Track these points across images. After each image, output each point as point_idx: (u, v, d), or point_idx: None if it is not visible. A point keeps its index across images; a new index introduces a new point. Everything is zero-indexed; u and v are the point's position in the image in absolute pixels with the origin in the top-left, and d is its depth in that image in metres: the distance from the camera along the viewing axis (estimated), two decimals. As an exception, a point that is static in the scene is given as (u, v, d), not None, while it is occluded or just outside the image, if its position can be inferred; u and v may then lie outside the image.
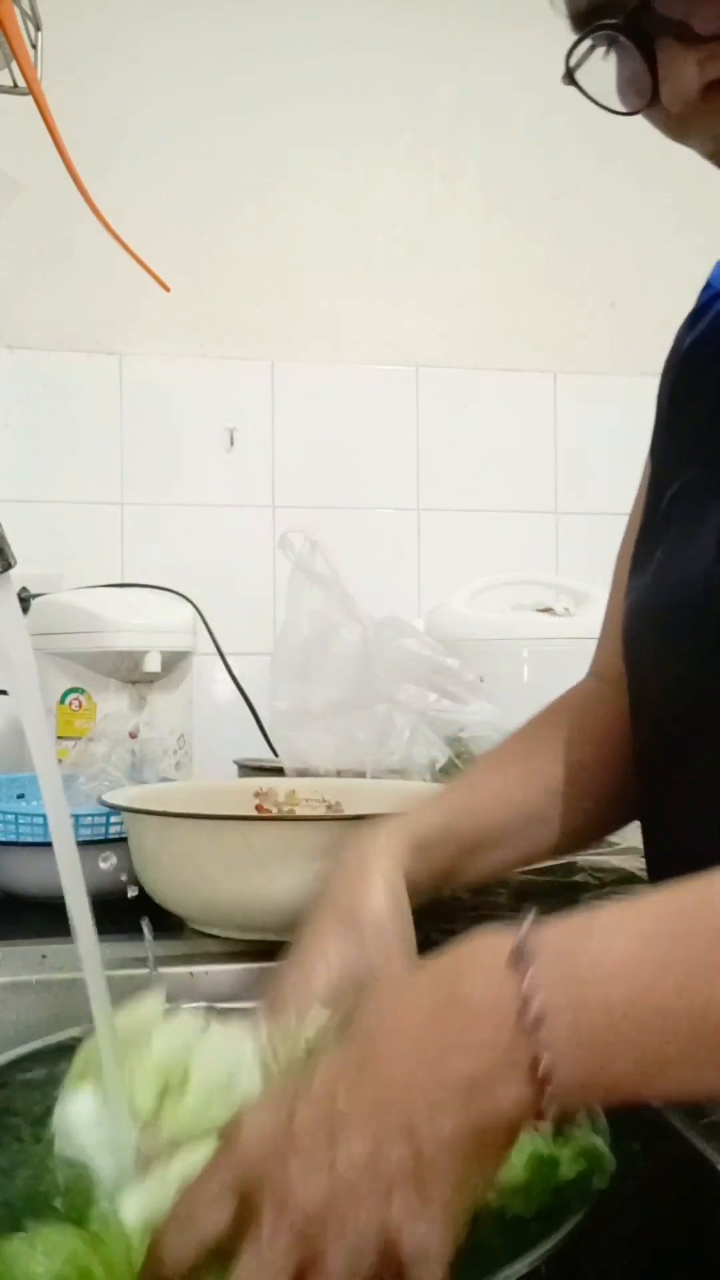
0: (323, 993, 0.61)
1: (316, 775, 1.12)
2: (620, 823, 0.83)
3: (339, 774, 1.12)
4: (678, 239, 1.77)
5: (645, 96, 0.60)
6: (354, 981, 0.61)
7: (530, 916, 0.44)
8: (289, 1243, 0.39)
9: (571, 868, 0.98)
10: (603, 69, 0.62)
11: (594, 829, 0.83)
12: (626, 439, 1.80)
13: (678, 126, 0.61)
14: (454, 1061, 0.41)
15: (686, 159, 0.65)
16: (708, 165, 0.65)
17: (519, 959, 0.42)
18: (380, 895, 0.67)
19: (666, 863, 0.71)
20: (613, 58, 0.61)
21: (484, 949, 0.43)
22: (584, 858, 1.00)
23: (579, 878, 0.98)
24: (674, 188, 1.70)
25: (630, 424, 1.80)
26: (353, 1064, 0.43)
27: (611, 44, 0.61)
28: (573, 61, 0.62)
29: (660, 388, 0.82)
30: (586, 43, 0.61)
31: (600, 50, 0.61)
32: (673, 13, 0.56)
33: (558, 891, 0.95)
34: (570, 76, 0.63)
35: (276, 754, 1.27)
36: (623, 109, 0.62)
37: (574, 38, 0.62)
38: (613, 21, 0.58)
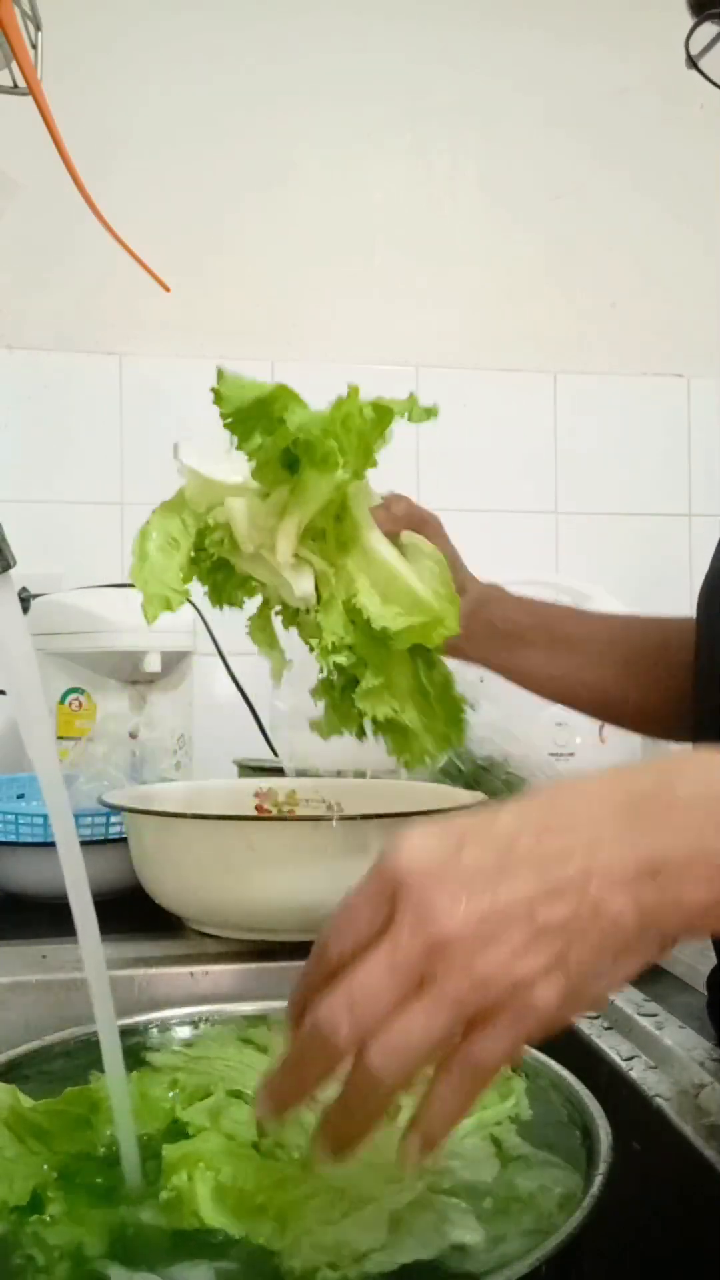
0: None
1: (316, 775, 1.12)
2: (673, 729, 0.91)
3: (339, 774, 1.12)
4: (678, 239, 1.77)
5: None
6: None
7: None
8: (416, 957, 0.39)
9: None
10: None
11: (651, 713, 0.92)
12: (626, 439, 1.81)
13: None
14: (648, 839, 0.40)
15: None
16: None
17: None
18: None
19: None
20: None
21: (715, 758, 0.43)
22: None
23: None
24: (674, 188, 1.70)
25: (630, 424, 1.81)
26: (538, 817, 0.42)
27: None
28: (693, 48, 0.63)
29: None
30: (708, 30, 0.62)
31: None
32: None
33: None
34: (692, 62, 0.63)
35: (276, 754, 1.27)
36: None
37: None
38: None
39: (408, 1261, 0.45)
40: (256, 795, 1.02)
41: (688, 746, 0.84)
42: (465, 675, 1.25)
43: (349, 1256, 0.44)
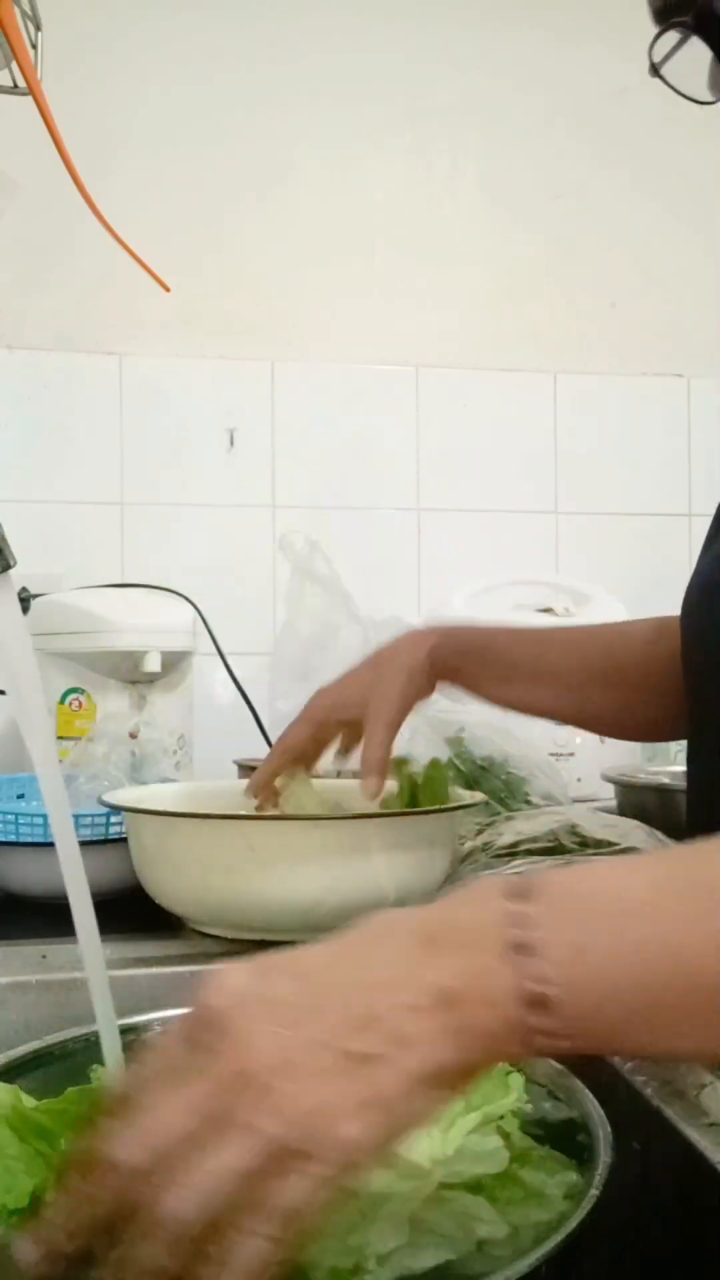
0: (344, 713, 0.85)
1: (316, 775, 1.12)
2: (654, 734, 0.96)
3: (339, 774, 1.11)
4: (678, 239, 1.77)
5: (719, 89, 0.61)
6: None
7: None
8: (220, 1093, 0.38)
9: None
10: (686, 61, 0.63)
11: (625, 718, 0.94)
12: (626, 439, 1.81)
13: None
14: (439, 970, 0.40)
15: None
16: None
17: (519, 891, 0.41)
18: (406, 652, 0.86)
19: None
20: (695, 49, 0.62)
21: (484, 885, 0.43)
22: (583, 857, 1.00)
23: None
24: (674, 188, 1.70)
25: (630, 424, 1.81)
26: (345, 951, 0.42)
27: (686, 39, 0.62)
28: (656, 56, 0.64)
29: None
30: (668, 39, 0.62)
31: (685, 43, 0.62)
32: None
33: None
34: (655, 70, 0.64)
35: (276, 754, 1.26)
36: (705, 98, 0.63)
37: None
38: (684, 19, 0.60)
39: (438, 1263, 0.44)
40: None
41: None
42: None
43: (373, 1258, 0.44)
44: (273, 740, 1.29)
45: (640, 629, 0.93)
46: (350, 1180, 0.39)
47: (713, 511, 0.84)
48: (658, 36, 0.63)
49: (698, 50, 0.62)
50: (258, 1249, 0.37)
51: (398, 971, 0.40)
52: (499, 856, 1.01)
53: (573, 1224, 0.45)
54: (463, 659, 0.92)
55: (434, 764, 0.96)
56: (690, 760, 0.82)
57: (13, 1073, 0.62)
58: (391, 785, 0.97)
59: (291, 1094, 0.38)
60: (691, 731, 0.81)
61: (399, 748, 1.13)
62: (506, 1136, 0.54)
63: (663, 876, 0.42)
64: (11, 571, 0.53)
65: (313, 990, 0.40)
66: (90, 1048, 0.61)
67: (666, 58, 0.63)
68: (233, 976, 0.41)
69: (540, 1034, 0.39)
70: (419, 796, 0.93)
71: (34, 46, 1.15)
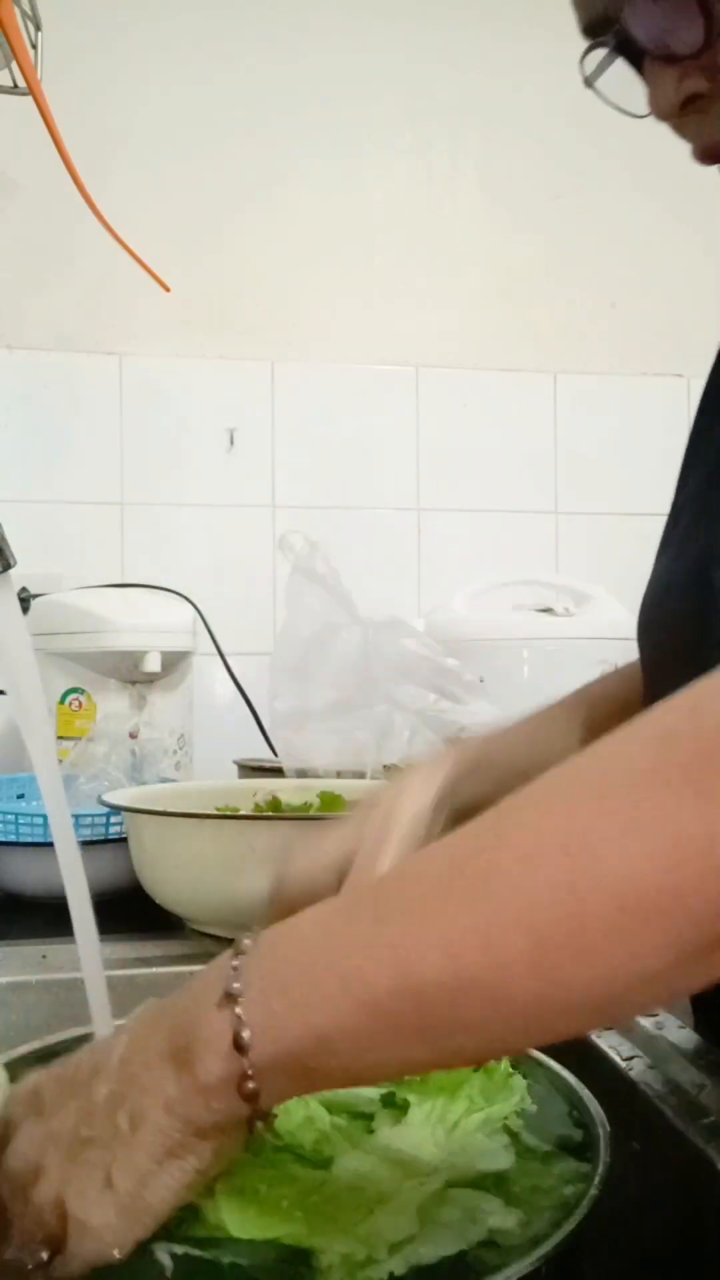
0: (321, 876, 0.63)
1: (316, 775, 1.12)
2: None
3: (339, 774, 1.12)
4: (678, 239, 1.77)
5: (644, 104, 0.62)
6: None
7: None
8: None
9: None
10: (619, 73, 0.64)
11: None
12: (626, 439, 1.81)
13: (677, 131, 0.63)
14: (158, 1038, 0.42)
15: (685, 160, 0.66)
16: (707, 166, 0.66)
17: (241, 947, 0.43)
18: (409, 796, 0.66)
19: None
20: (624, 64, 0.63)
21: (212, 966, 0.44)
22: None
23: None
24: (674, 188, 1.70)
25: (630, 424, 1.81)
26: (95, 1050, 0.45)
27: (613, 58, 0.63)
28: (587, 70, 0.65)
29: (707, 384, 0.84)
30: (597, 53, 0.64)
31: (613, 60, 0.63)
32: (648, 36, 0.59)
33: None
34: (588, 83, 0.65)
35: (276, 754, 1.27)
36: (635, 111, 0.64)
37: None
38: (607, 39, 0.62)
39: (449, 1253, 0.44)
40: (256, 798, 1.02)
41: None
42: (464, 675, 1.26)
43: (383, 1247, 0.44)
44: (273, 740, 1.30)
45: (613, 681, 0.85)
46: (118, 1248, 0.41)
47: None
48: (586, 52, 0.64)
49: (625, 66, 0.63)
50: None
51: (133, 1043, 0.43)
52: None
53: (573, 1224, 0.45)
54: (478, 788, 0.73)
55: None
56: None
57: (12, 1073, 0.62)
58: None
59: (43, 1193, 0.42)
60: None
61: (399, 750, 1.14)
62: (514, 1136, 0.54)
63: (344, 904, 0.43)
64: (11, 571, 0.53)
65: (67, 1082, 0.44)
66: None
67: (598, 72, 0.64)
68: (26, 1082, 0.46)
69: (248, 1077, 0.39)
70: None
71: (34, 46, 1.15)
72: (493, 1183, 0.50)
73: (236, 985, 0.40)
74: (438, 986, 0.37)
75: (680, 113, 0.60)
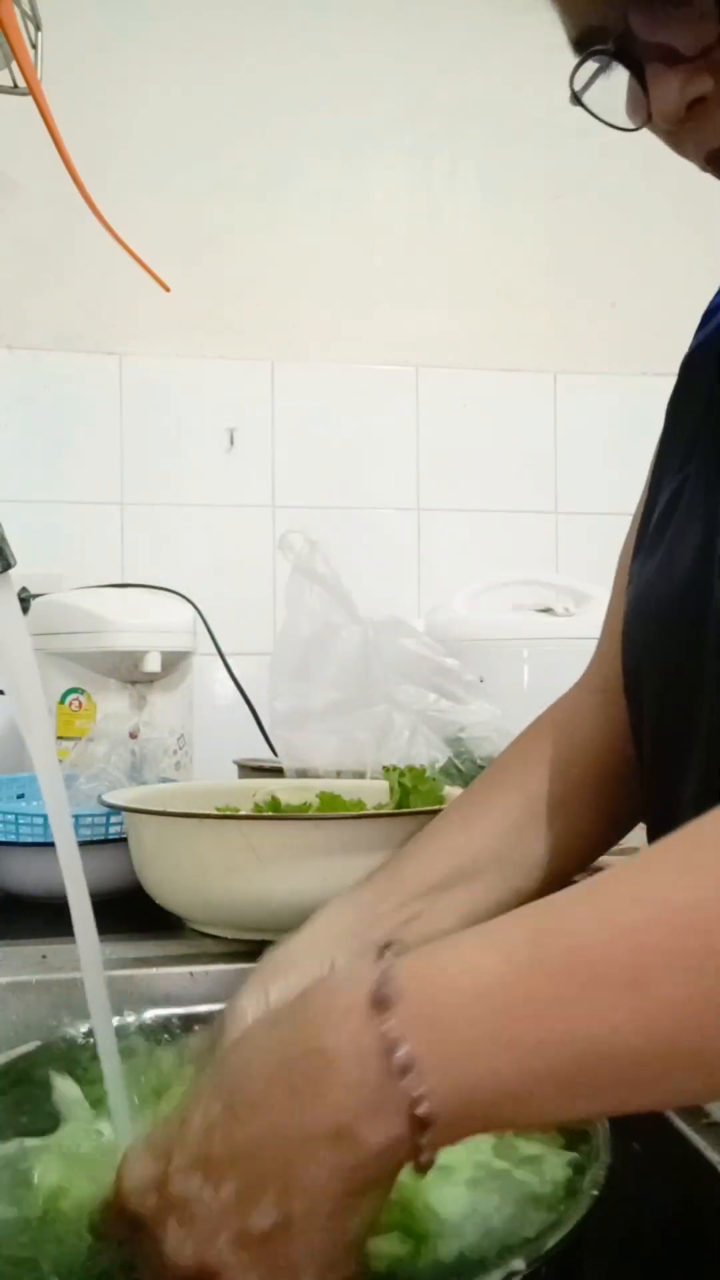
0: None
1: (316, 775, 1.12)
2: (628, 829, 0.80)
3: (339, 774, 1.12)
4: (678, 239, 1.77)
5: (642, 114, 0.61)
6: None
7: (389, 950, 0.43)
8: None
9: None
10: (607, 87, 0.63)
11: (591, 845, 0.79)
12: (626, 439, 1.81)
13: (673, 140, 0.63)
14: (319, 1110, 0.40)
15: (686, 160, 0.66)
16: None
17: (379, 1003, 0.40)
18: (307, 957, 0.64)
19: None
20: (614, 77, 0.62)
21: (342, 993, 0.42)
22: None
23: (577, 878, 0.97)
24: (674, 188, 1.70)
25: (630, 424, 1.80)
26: (224, 1110, 0.42)
27: (607, 67, 0.62)
28: (576, 85, 0.64)
29: (674, 389, 0.82)
30: (588, 66, 0.63)
31: (606, 71, 0.63)
32: (655, 37, 0.58)
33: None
34: (576, 99, 0.64)
35: (276, 754, 1.27)
36: (626, 125, 0.63)
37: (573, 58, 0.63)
38: (604, 47, 0.60)
39: (449, 1253, 0.45)
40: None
41: None
42: (464, 675, 1.26)
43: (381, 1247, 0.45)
44: (273, 740, 1.30)
45: (568, 716, 0.81)
46: None
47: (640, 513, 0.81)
48: (579, 65, 0.63)
49: (615, 79, 0.63)
50: None
51: (286, 1118, 0.40)
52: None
53: (573, 1224, 0.45)
54: (398, 917, 0.70)
55: (417, 773, 0.95)
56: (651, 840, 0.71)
57: (12, 1072, 0.62)
58: (381, 786, 0.97)
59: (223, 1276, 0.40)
60: (647, 804, 0.72)
61: (399, 750, 1.14)
62: (513, 1136, 0.54)
63: (518, 951, 0.41)
64: (11, 571, 0.53)
65: (209, 1166, 0.41)
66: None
67: (587, 86, 0.64)
68: (136, 1168, 0.43)
69: (428, 1146, 0.39)
70: (410, 800, 0.93)
71: (34, 46, 1.15)
72: (492, 1182, 0.50)
73: (403, 1054, 0.39)
74: (632, 1055, 0.37)
75: (685, 116, 0.60)
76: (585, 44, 0.62)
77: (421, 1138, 0.39)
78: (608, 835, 0.79)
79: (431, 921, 0.69)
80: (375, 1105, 0.39)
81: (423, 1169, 0.39)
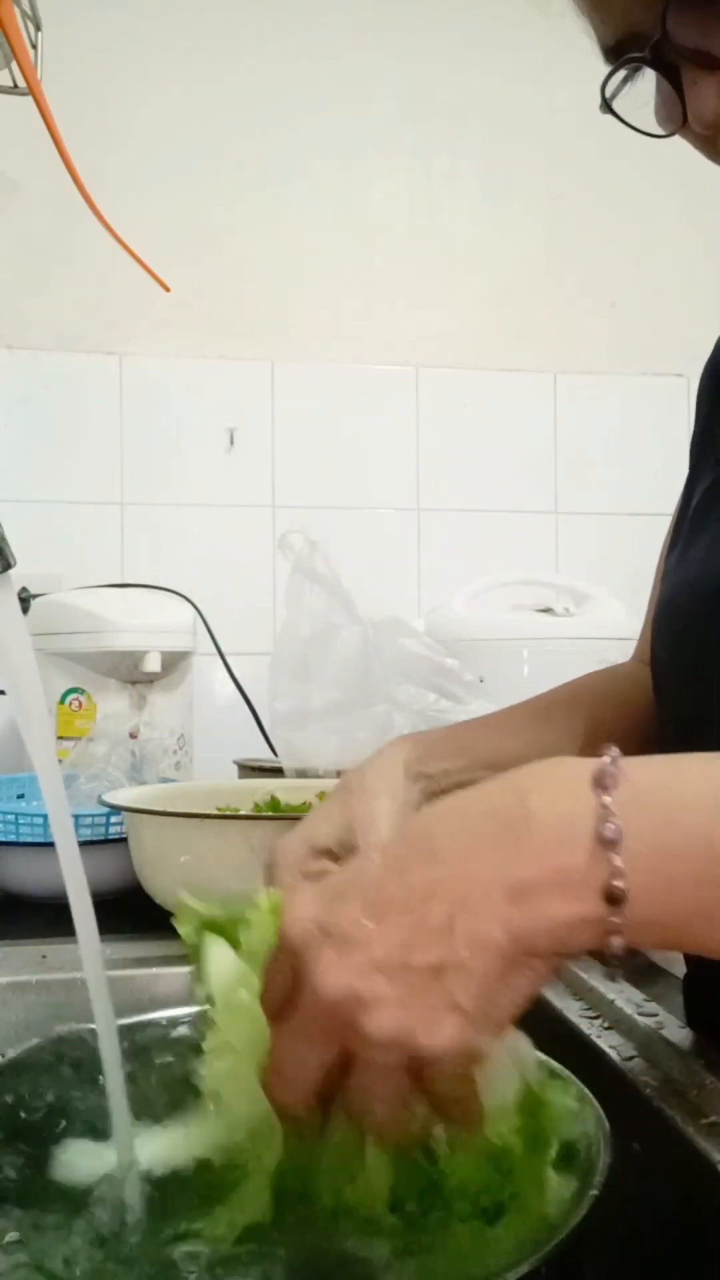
0: (321, 848, 0.63)
1: (316, 775, 1.12)
2: None
3: (339, 774, 1.11)
4: (678, 239, 1.77)
5: (677, 121, 0.61)
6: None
7: (613, 751, 0.43)
8: (320, 1029, 0.41)
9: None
10: (635, 94, 0.63)
11: None
12: (626, 439, 1.81)
13: (708, 147, 0.63)
14: (511, 861, 0.40)
15: (686, 160, 0.66)
16: (708, 166, 0.65)
17: (601, 780, 0.41)
18: (385, 777, 0.67)
19: None
20: (646, 84, 0.62)
21: (564, 767, 0.43)
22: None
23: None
24: (675, 188, 1.70)
25: (630, 424, 1.81)
26: (406, 853, 0.43)
27: (639, 73, 0.62)
28: (608, 92, 0.64)
29: (700, 386, 0.83)
30: (618, 74, 0.63)
31: (634, 78, 0.63)
32: (692, 41, 0.58)
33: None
34: (607, 106, 0.64)
35: (276, 754, 1.27)
36: (658, 132, 0.63)
37: (590, 62, 0.63)
38: (639, 55, 0.60)
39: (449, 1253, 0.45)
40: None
41: None
42: (464, 675, 1.25)
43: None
44: (273, 740, 1.30)
45: (624, 672, 0.85)
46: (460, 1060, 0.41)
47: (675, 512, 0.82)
48: (612, 73, 0.63)
49: (643, 85, 0.63)
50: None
51: (471, 866, 0.41)
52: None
53: (572, 1224, 0.45)
54: (443, 764, 0.74)
55: None
56: None
57: (12, 1072, 0.62)
58: None
59: (377, 1022, 0.40)
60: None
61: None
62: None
63: None
64: (11, 571, 0.53)
65: (378, 906, 0.41)
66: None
67: (616, 92, 0.64)
68: (302, 905, 0.43)
69: (613, 930, 0.40)
70: None
71: (34, 46, 1.15)
72: (492, 1181, 0.50)
73: (612, 829, 0.39)
74: None
75: None
76: (620, 51, 0.62)
77: (613, 915, 0.39)
78: None
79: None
80: (570, 873, 0.40)
81: (607, 958, 0.40)
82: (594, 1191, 0.47)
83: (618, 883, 0.39)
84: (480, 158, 1.78)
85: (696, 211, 1.72)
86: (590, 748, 0.74)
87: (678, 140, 0.65)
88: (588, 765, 0.42)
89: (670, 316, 1.78)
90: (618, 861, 0.39)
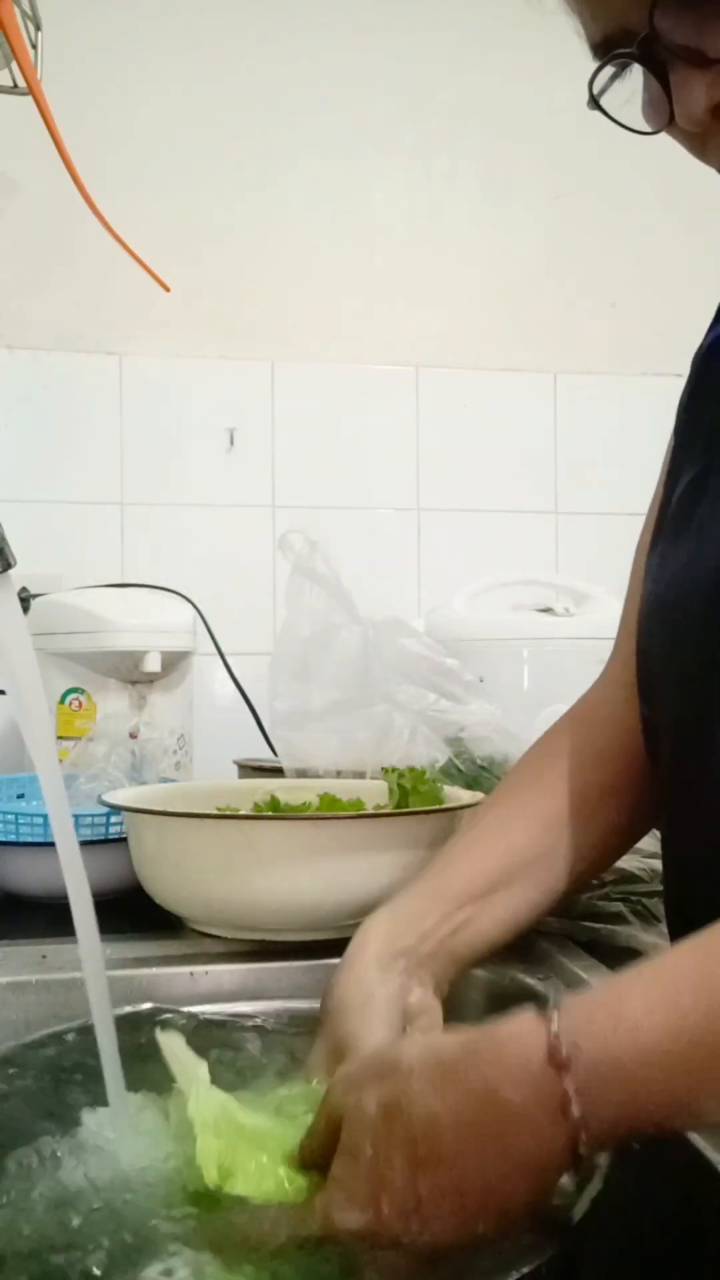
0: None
1: (316, 775, 1.12)
2: (646, 830, 0.80)
3: (339, 774, 1.12)
4: (678, 239, 1.77)
5: (664, 117, 0.61)
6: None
7: (555, 1001, 0.48)
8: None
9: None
10: (623, 91, 0.63)
11: (618, 844, 0.80)
12: (626, 439, 1.81)
13: (696, 145, 0.63)
14: (512, 1159, 0.46)
15: (686, 160, 0.66)
16: (708, 166, 0.65)
17: (555, 1059, 0.46)
18: (357, 986, 0.66)
19: (686, 865, 0.70)
20: (634, 81, 0.62)
21: (519, 1043, 0.47)
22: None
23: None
24: (674, 188, 1.70)
25: (630, 424, 1.80)
26: (405, 1163, 0.46)
27: (627, 70, 0.62)
28: (596, 89, 0.64)
29: (688, 376, 0.82)
30: (606, 70, 0.63)
31: (622, 75, 0.62)
32: (681, 39, 0.57)
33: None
34: (595, 102, 0.64)
35: (276, 754, 1.26)
36: (646, 129, 0.63)
37: (589, 62, 0.63)
38: (628, 50, 0.60)
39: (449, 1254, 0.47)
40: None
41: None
42: (464, 675, 1.25)
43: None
44: (273, 740, 1.30)
45: (595, 717, 0.80)
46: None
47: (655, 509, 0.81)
48: (599, 69, 0.63)
49: (631, 82, 0.63)
50: None
51: (480, 1167, 0.46)
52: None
53: (573, 1224, 0.45)
54: (420, 929, 0.70)
55: (416, 774, 0.95)
56: (665, 842, 0.73)
57: (10, 1069, 0.62)
58: (381, 786, 0.97)
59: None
60: (662, 804, 0.73)
61: (399, 750, 1.13)
62: None
63: (692, 1024, 0.46)
64: (11, 571, 0.53)
65: (394, 1143, 0.47)
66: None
67: (605, 89, 0.64)
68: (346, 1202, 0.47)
69: (579, 1159, 0.46)
70: (410, 800, 0.93)
71: (34, 46, 1.15)
72: None
73: (574, 1106, 0.45)
74: None
75: (711, 119, 0.60)
76: (608, 47, 0.62)
77: (582, 1154, 0.46)
78: (636, 828, 0.79)
79: (478, 931, 0.71)
80: (560, 1148, 0.46)
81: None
82: (594, 1191, 0.47)
83: (582, 1142, 0.46)
84: (480, 158, 1.78)
85: (696, 211, 1.72)
86: (580, 820, 0.75)
87: (677, 140, 0.65)
88: (539, 1040, 0.47)
89: (670, 317, 1.78)
90: (582, 1136, 0.45)
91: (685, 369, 0.84)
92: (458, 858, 0.74)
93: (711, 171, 0.66)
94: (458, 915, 0.70)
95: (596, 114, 0.66)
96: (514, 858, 0.74)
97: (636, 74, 0.62)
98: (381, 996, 0.65)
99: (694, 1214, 0.54)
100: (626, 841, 0.80)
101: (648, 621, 0.73)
